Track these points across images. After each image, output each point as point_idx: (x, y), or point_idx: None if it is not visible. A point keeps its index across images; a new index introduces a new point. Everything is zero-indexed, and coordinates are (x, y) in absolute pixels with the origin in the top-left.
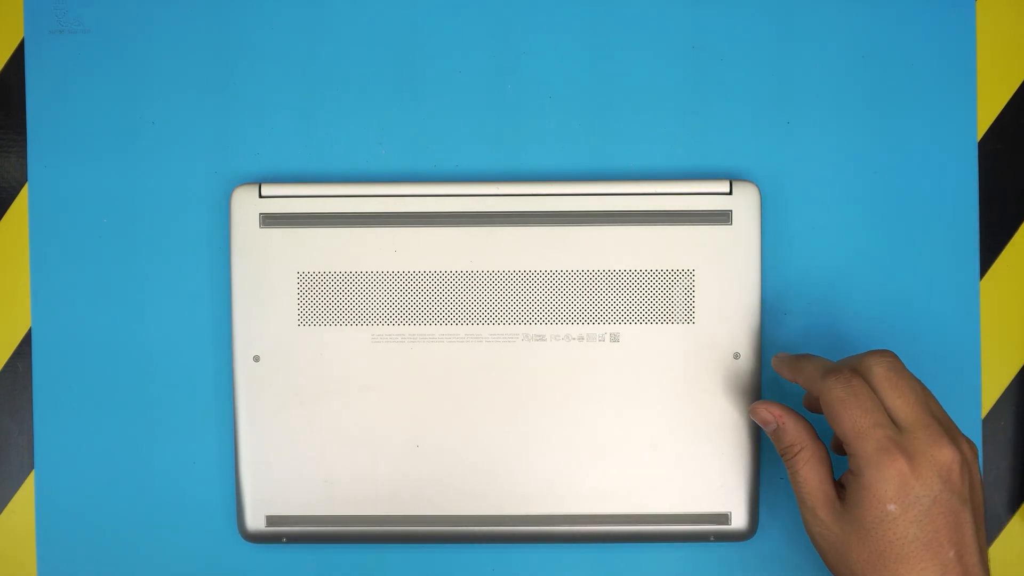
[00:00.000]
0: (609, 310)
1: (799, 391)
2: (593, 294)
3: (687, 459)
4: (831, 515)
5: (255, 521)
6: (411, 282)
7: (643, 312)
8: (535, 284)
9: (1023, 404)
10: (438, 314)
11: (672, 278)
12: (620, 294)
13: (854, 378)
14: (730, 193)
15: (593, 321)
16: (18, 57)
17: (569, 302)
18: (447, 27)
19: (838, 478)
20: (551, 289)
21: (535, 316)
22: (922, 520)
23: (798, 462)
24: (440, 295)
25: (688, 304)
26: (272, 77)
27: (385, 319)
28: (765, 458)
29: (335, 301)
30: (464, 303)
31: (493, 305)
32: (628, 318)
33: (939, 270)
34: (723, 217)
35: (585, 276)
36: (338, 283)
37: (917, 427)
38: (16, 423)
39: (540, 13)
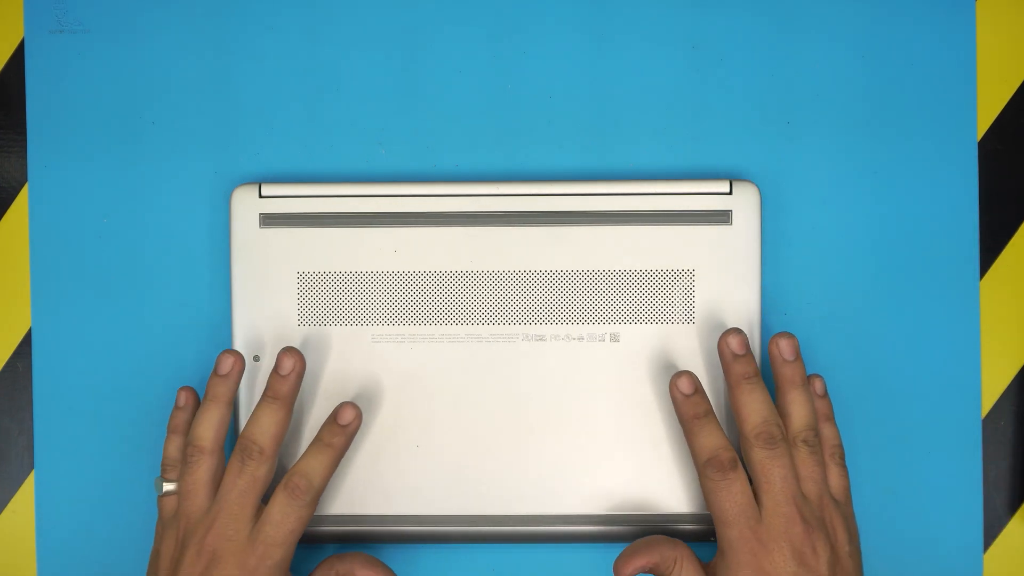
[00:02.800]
0: (609, 310)
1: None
2: (593, 294)
3: (687, 459)
4: None
5: None
6: (411, 282)
7: (643, 312)
8: (535, 284)
9: (1023, 404)
10: (438, 314)
11: (672, 278)
12: (620, 294)
13: (730, 472)
14: (730, 193)
15: (593, 321)
16: (18, 57)
17: (569, 302)
18: (447, 27)
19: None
20: (551, 289)
21: (535, 316)
22: None
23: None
24: (440, 295)
25: (688, 304)
26: (272, 77)
27: (385, 319)
28: None
29: (335, 301)
30: (464, 303)
31: (493, 305)
32: (628, 318)
33: (939, 270)
34: (723, 217)
35: (585, 276)
36: (338, 283)
37: (775, 514)
38: (16, 423)
39: (540, 13)
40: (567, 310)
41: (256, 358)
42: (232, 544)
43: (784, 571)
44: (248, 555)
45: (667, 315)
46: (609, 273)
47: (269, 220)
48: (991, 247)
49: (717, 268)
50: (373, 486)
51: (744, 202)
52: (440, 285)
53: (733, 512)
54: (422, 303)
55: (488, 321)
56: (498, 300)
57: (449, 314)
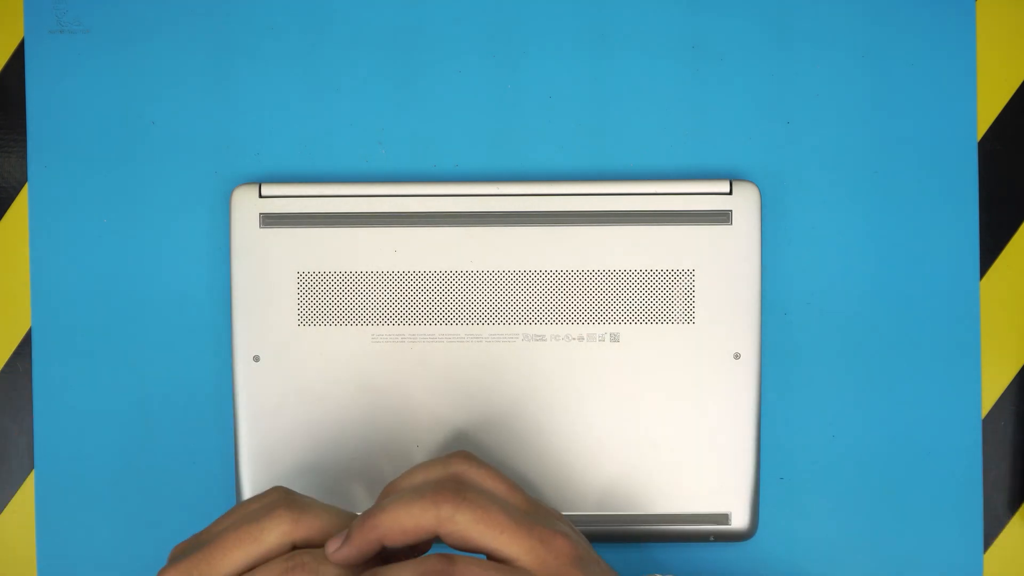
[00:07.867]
0: (609, 310)
1: (803, 391)
2: (593, 294)
3: (687, 459)
4: None
5: None
6: (411, 282)
7: (643, 312)
8: (535, 284)
9: (1023, 404)
10: (438, 314)
11: (672, 278)
12: (620, 294)
13: None
14: (730, 193)
15: (593, 321)
16: (18, 57)
17: (569, 302)
18: (447, 27)
19: None
20: (551, 289)
21: (535, 316)
22: None
23: None
24: (440, 295)
25: (688, 304)
26: (272, 77)
27: (385, 319)
28: (765, 458)
29: (335, 301)
30: (464, 303)
31: (493, 305)
32: (628, 318)
33: (939, 270)
34: (723, 217)
35: (585, 276)
36: (338, 283)
37: None
38: (16, 423)
39: (540, 13)
40: (567, 310)
41: (256, 358)
42: None
43: None
44: None
45: (667, 315)
46: (609, 273)
47: (269, 220)
48: (991, 247)
49: (717, 268)
50: (373, 486)
51: (744, 202)
52: (440, 285)
53: None
54: (422, 303)
55: (488, 321)
56: (498, 300)
57: (449, 314)
